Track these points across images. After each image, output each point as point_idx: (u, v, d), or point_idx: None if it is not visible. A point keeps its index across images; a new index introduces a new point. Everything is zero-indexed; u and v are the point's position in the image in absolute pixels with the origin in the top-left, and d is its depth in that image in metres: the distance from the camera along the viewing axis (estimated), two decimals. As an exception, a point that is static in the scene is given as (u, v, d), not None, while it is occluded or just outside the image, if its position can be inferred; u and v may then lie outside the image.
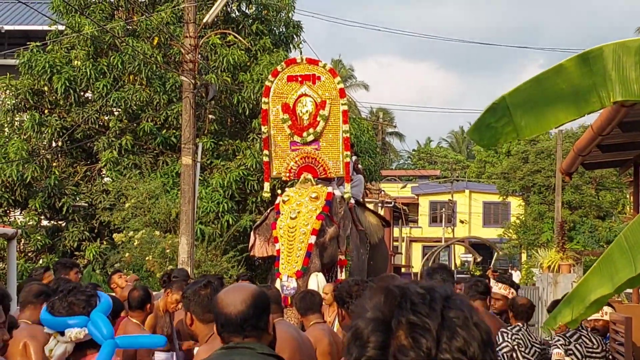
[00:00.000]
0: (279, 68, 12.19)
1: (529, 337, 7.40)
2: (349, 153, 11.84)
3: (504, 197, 47.87)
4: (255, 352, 3.16)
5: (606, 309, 8.28)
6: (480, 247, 45.34)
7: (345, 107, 11.88)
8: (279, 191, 12.23)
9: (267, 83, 12.19)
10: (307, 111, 11.76)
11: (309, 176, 11.67)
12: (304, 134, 11.75)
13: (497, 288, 8.31)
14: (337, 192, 11.71)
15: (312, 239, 10.90)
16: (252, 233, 11.93)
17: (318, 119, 11.71)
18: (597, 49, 4.64)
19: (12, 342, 5.20)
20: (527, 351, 7.29)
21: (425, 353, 1.28)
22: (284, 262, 10.77)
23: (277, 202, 11.58)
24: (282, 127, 11.87)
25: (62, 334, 3.64)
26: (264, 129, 12.11)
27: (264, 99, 12.07)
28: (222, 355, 3.20)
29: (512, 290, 8.36)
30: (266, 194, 12.44)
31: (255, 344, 3.20)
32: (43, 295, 5.87)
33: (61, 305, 3.67)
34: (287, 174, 11.98)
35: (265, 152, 12.11)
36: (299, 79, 11.85)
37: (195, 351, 5.37)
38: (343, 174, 11.88)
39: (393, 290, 1.36)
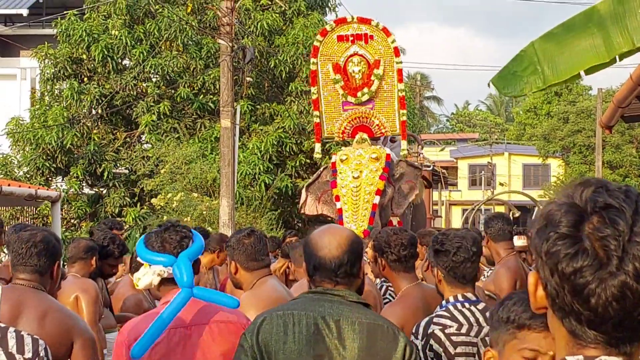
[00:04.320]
0: (327, 28, 12.08)
1: None
2: (405, 111, 11.84)
3: (544, 158, 47.48)
4: (345, 300, 3.10)
5: None
6: (522, 209, 45.05)
7: (400, 66, 11.79)
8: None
9: (315, 43, 12.05)
10: (359, 70, 11.64)
11: (365, 136, 11.62)
12: (359, 94, 11.66)
13: (520, 242, 8.25)
14: (393, 154, 11.71)
15: (377, 199, 10.95)
16: (303, 190, 11.95)
17: (372, 78, 11.62)
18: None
19: (62, 293, 5.24)
20: None
21: (620, 233, 1.32)
22: (350, 221, 10.77)
23: (332, 160, 11.58)
24: (334, 87, 11.77)
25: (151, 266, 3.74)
26: (313, 89, 12.01)
27: (312, 60, 11.96)
28: (311, 300, 3.13)
29: (526, 237, 8.51)
30: (317, 155, 12.43)
31: (345, 291, 3.12)
32: (91, 251, 5.98)
33: (155, 240, 3.74)
34: (341, 135, 11.95)
35: (316, 113, 12.02)
36: (350, 38, 11.70)
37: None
38: (399, 132, 11.89)
39: (590, 179, 1.41)
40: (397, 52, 11.77)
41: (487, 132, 65.58)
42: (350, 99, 11.70)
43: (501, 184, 55.89)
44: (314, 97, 12.03)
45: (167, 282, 3.74)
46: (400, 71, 11.78)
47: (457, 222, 49.47)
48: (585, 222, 1.34)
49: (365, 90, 11.65)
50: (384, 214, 11.17)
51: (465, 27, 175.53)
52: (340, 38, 11.77)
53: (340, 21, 12.04)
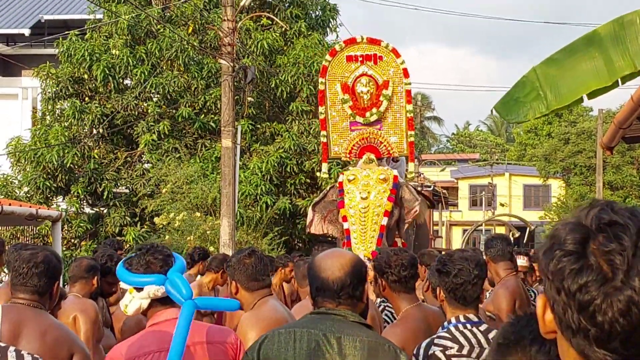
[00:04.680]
0: (337, 47, 12.11)
1: None
2: (413, 132, 11.83)
3: (545, 179, 47.52)
4: (347, 320, 3.15)
5: None
6: (522, 230, 45.04)
7: (409, 87, 11.80)
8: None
9: (324, 63, 12.10)
10: (367, 91, 11.63)
11: (372, 156, 11.62)
12: (367, 114, 11.66)
13: (519, 262, 8.27)
14: (399, 175, 11.69)
15: (385, 221, 10.94)
16: (310, 210, 11.94)
17: (381, 98, 11.62)
18: (632, 13, 4.62)
19: (62, 313, 5.24)
20: None
21: (624, 248, 1.33)
22: (358, 242, 10.79)
23: (339, 180, 11.57)
24: (342, 107, 11.77)
25: (139, 290, 3.70)
26: (321, 109, 12.01)
27: (320, 79, 11.98)
28: (313, 319, 3.19)
29: (526, 258, 8.68)
30: (324, 175, 12.41)
31: (347, 312, 3.17)
32: (93, 270, 5.97)
33: (139, 263, 3.70)
34: (348, 155, 11.93)
35: (323, 132, 12.03)
36: (360, 58, 11.72)
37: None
38: (407, 153, 11.88)
39: (597, 201, 1.42)
40: (406, 73, 11.76)
41: (487, 153, 65.54)
42: (359, 119, 11.68)
43: (502, 205, 55.86)
44: (322, 116, 12.02)
45: (156, 303, 3.72)
46: (409, 92, 11.78)
47: (457, 242, 49.37)
48: (591, 239, 1.35)
49: (374, 110, 11.63)
50: (389, 235, 11.16)
51: (466, 47, 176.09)
52: (349, 58, 11.77)
53: (350, 41, 12.03)
